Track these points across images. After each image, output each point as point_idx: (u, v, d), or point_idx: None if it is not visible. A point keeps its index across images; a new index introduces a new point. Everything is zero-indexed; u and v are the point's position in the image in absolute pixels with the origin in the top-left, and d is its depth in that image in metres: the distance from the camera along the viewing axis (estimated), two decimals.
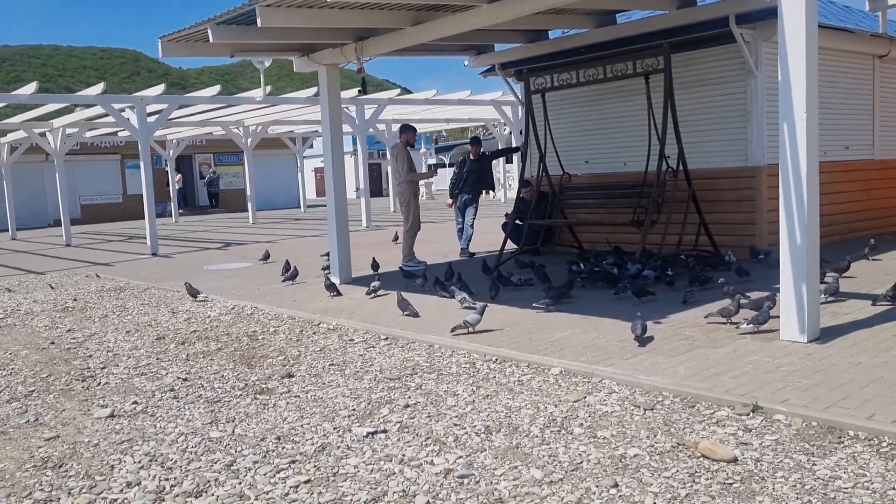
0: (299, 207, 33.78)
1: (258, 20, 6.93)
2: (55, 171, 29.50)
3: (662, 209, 8.65)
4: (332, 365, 5.65)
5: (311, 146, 33.43)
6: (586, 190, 10.30)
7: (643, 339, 5.58)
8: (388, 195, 51.88)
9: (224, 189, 34.41)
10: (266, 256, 12.67)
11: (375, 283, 8.37)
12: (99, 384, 5.51)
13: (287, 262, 11.13)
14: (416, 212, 10.40)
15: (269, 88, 15.56)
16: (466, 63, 11.42)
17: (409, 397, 4.73)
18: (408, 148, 10.38)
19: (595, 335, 5.94)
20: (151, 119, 14.86)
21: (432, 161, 52.98)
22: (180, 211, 32.13)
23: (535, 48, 10.25)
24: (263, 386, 5.20)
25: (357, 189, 51.00)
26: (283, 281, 9.77)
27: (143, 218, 30.69)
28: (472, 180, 11.49)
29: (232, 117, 21.12)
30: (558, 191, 10.19)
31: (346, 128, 27.47)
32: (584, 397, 4.54)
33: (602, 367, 5.03)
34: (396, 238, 14.45)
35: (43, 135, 18.86)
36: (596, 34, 9.49)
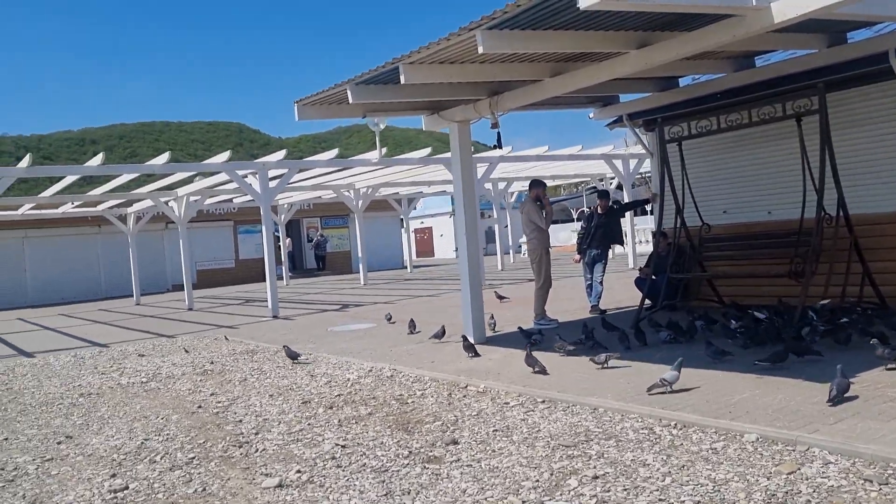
0: (404, 268, 34.02)
1: (401, 77, 6.89)
2: (175, 239, 31.03)
3: (820, 259, 8.03)
4: (497, 431, 5.31)
5: (415, 207, 33.71)
6: (728, 241, 9.75)
7: (839, 400, 5.02)
8: (488, 254, 51.96)
9: (330, 252, 35.04)
10: (388, 317, 12.60)
11: (537, 336, 8.15)
12: (257, 451, 5.35)
13: (412, 321, 11.02)
14: (548, 268, 10.08)
15: (384, 150, 15.72)
16: (592, 115, 11.18)
17: (595, 467, 4.34)
18: (537, 203, 10.13)
19: (781, 396, 5.41)
20: (272, 184, 15.20)
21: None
22: (290, 274, 32.92)
23: (668, 96, 9.91)
24: (429, 454, 4.91)
25: (456, 249, 51.46)
26: (431, 338, 9.58)
27: (254, 281, 32.05)
28: (601, 235, 11.12)
29: (343, 180, 21.52)
30: (697, 242, 9.68)
31: (449, 187, 27.70)
32: (798, 468, 4.04)
33: (806, 433, 4.51)
34: (501, 298, 14.16)
35: (167, 203, 19.63)
36: (734, 78, 9.09)
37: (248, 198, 24.35)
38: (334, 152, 15.85)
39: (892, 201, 8.49)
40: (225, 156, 14.62)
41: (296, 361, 9.03)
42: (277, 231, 33.47)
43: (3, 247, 27.53)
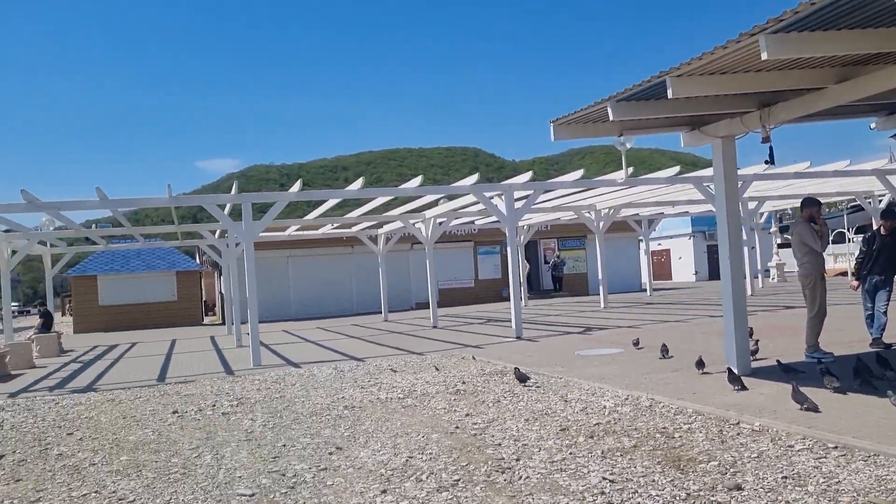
0: (643, 291, 32.94)
1: (668, 91, 6.52)
2: (419, 259, 32.59)
3: None
4: (786, 478, 4.75)
5: (654, 229, 32.56)
6: None
7: None
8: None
9: (567, 273, 34.82)
10: (636, 343, 12.11)
11: (831, 380, 7.27)
12: (520, 478, 5.22)
13: (664, 346, 10.50)
14: (823, 296, 9.11)
15: (630, 170, 15.26)
16: (873, 126, 9.99)
17: None
18: (811, 223, 9.21)
19: None
20: (517, 205, 15.30)
21: (779, 241, 48.95)
22: (527, 295, 33.15)
23: None
24: (711, 498, 4.47)
25: (696, 272, 48.99)
26: (699, 370, 8.99)
27: (492, 301, 32.65)
28: (884, 259, 9.86)
29: (584, 201, 21.26)
30: None
31: (694, 208, 26.39)
32: None
33: None
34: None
35: (415, 225, 20.54)
36: None
37: (490, 219, 24.91)
38: (579, 173, 15.65)
39: None
40: (473, 179, 14.95)
41: (525, 385, 8.94)
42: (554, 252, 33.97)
43: (272, 265, 30.37)
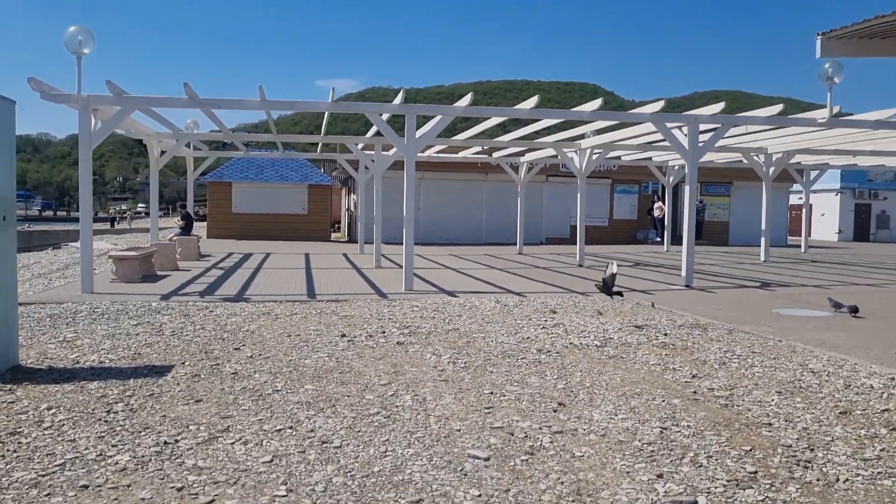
0: (788, 246, 30.59)
1: None
2: (554, 192, 31.22)
3: None
4: None
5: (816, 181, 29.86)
6: None
7: None
8: (875, 241, 45.26)
9: (708, 220, 32.68)
10: (838, 305, 10.57)
11: None
12: (837, 480, 4.04)
13: None
14: None
15: (837, 108, 13.31)
16: None
17: None
18: None
19: None
20: (702, 140, 13.69)
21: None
22: (658, 239, 31.34)
23: None
24: None
25: (840, 231, 45.43)
26: None
27: (627, 243, 31.08)
28: None
29: (754, 143, 19.26)
30: None
31: (833, 159, 23.76)
32: None
33: None
34: None
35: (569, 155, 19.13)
36: None
37: (642, 156, 23.18)
38: (777, 108, 13.80)
39: None
40: (657, 106, 13.39)
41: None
42: (657, 193, 32.03)
43: (400, 186, 29.63)
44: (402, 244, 12.94)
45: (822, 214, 46.59)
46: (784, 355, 7.39)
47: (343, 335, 8.27)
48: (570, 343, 7.94)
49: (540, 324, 9.21)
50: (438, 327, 8.90)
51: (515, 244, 25.30)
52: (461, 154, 24.21)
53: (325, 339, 8.07)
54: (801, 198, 48.08)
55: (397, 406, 5.42)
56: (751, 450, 4.50)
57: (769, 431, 4.87)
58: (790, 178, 27.75)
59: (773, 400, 5.68)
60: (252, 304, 10.85)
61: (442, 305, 10.87)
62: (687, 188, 13.62)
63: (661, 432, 4.84)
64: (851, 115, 14.82)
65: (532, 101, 12.88)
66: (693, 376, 6.47)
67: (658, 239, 30.97)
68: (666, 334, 8.48)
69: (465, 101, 12.69)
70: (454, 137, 19.65)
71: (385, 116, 13.17)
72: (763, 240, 20.88)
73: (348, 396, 5.68)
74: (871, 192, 46.03)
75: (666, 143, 17.15)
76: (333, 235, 34.67)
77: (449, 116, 12.77)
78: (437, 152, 23.84)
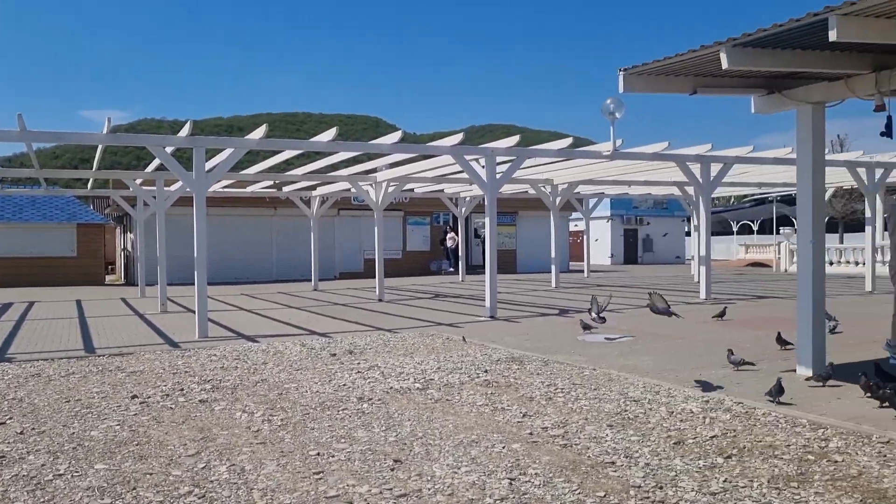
0: (570, 272, 32.41)
1: (832, 33, 5.28)
2: (346, 225, 30.80)
3: None
4: None
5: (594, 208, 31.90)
6: None
7: None
8: (642, 263, 49.51)
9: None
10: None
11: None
12: None
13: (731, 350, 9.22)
14: None
15: (619, 142, 14.13)
16: None
17: None
18: None
19: None
20: (500, 171, 13.95)
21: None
22: (451, 270, 31.93)
23: None
24: None
25: (612, 255, 49.15)
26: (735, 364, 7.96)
27: (421, 274, 31.28)
28: None
29: (540, 175, 20.13)
30: None
31: (611, 189, 25.74)
32: None
33: None
34: (723, 314, 12.46)
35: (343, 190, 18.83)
36: None
37: (434, 188, 23.46)
38: (567, 141, 14.40)
39: None
40: (455, 139, 13.44)
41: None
42: (449, 224, 32.64)
43: (184, 223, 27.80)
44: (187, 285, 11.93)
45: (596, 240, 50.06)
46: (603, 385, 7.43)
47: (134, 396, 7.25)
48: (391, 388, 7.50)
49: (354, 367, 8.70)
50: (244, 379, 8.11)
51: (309, 280, 24.58)
52: (249, 189, 23.15)
53: (112, 402, 7.02)
54: (577, 225, 51.65)
55: (212, 481, 4.67)
56: (605, 495, 4.29)
57: (615, 471, 4.71)
58: (571, 206, 29.41)
59: (607, 435, 5.57)
60: (17, 364, 9.36)
61: (244, 353, 10.02)
62: (487, 220, 13.77)
63: (511, 484, 4.51)
64: (634, 149, 15.84)
65: (330, 134, 12.42)
66: (524, 415, 6.26)
67: (452, 269, 31.54)
68: (486, 371, 8.29)
69: (259, 133, 11.97)
70: (242, 171, 18.69)
71: (169, 149, 12.07)
72: (553, 267, 21.81)
73: (150, 474, 4.83)
74: (636, 218, 50.29)
75: (460, 175, 17.40)
76: (108, 278, 31.78)
77: (241, 150, 11.98)
78: (224, 187, 22.61)
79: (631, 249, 50.26)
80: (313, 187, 23.01)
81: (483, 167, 13.65)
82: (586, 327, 11.09)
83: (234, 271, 28.37)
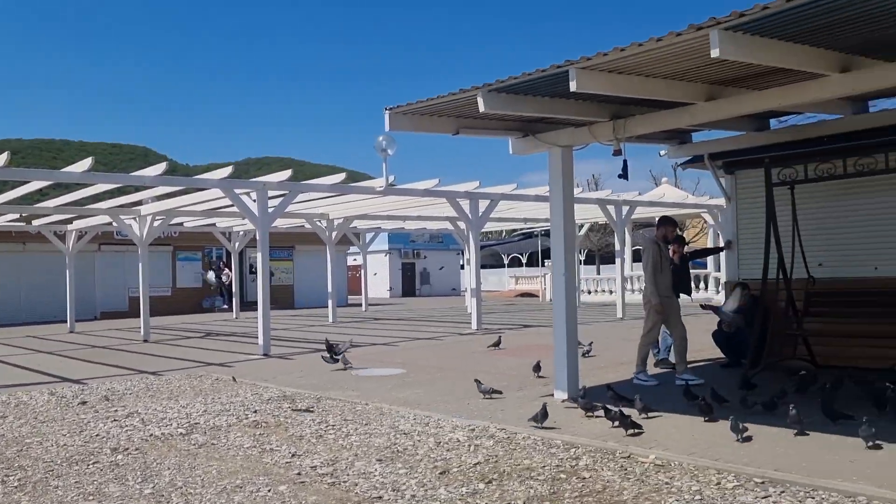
0: (349, 306, 32.49)
1: (572, 84, 5.78)
2: (108, 262, 28.64)
3: None
4: None
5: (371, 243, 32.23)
6: (837, 296, 8.97)
7: None
8: (420, 295, 50.84)
9: (273, 285, 33.04)
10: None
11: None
12: None
13: (473, 381, 9.71)
14: (657, 320, 9.00)
15: (392, 178, 14.47)
16: (663, 153, 10.35)
17: None
18: (663, 246, 9.10)
19: None
20: (272, 205, 13.71)
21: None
22: (225, 306, 30.78)
23: (767, 136, 9.15)
24: None
25: (390, 289, 49.95)
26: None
27: (192, 312, 29.78)
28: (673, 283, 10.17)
29: (316, 209, 20.08)
30: (804, 297, 8.88)
31: (387, 224, 26.48)
32: None
33: None
34: (499, 343, 13.24)
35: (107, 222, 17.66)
36: (856, 121, 8.38)
37: (201, 221, 22.56)
38: (340, 176, 14.47)
39: None
40: (224, 172, 13.02)
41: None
42: (220, 259, 31.46)
43: None
44: None
45: (375, 273, 50.59)
46: (375, 419, 7.47)
47: None
48: (151, 435, 7.03)
49: (109, 416, 8.06)
50: None
51: (65, 321, 22.52)
52: None
53: None
54: (355, 259, 51.96)
55: None
56: None
57: None
58: (348, 240, 29.49)
59: (376, 469, 5.60)
60: None
61: None
62: (259, 254, 13.45)
63: None
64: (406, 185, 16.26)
65: (86, 164, 11.55)
66: (293, 455, 6.13)
67: (226, 306, 30.39)
68: (256, 411, 8.03)
69: (1, 160, 10.84)
70: None
71: None
72: (330, 301, 21.70)
73: None
74: (414, 251, 51.60)
75: (232, 209, 16.87)
76: None
77: None
78: None
79: (409, 282, 51.39)
80: (69, 220, 21.21)
81: (254, 201, 13.34)
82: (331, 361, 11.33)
83: None
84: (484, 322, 17.87)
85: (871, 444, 5.55)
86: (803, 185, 8.89)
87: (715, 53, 4.93)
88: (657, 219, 9.66)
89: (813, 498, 4.60)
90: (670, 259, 9.19)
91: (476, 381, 8.59)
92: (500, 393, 8.47)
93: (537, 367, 9.56)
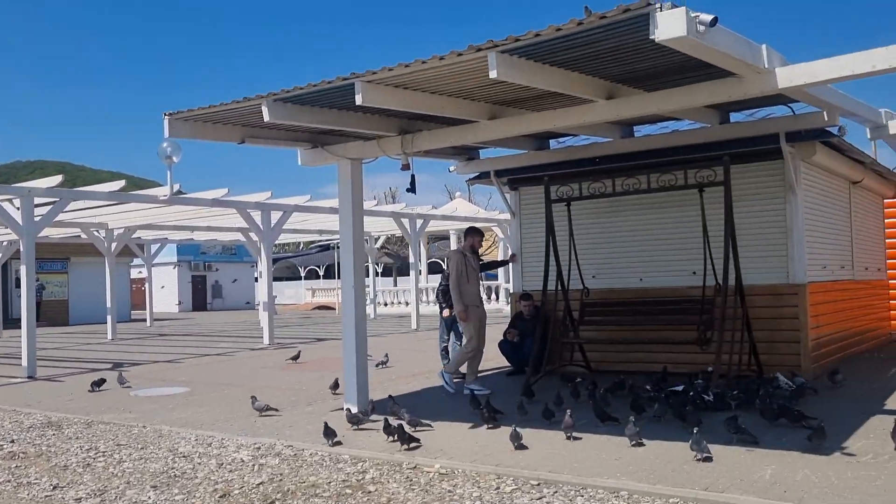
0: (132, 321, 30.55)
1: (358, 97, 5.79)
2: None
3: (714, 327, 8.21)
4: None
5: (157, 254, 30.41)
6: (610, 305, 9.65)
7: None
8: (212, 309, 48.74)
9: (45, 300, 30.28)
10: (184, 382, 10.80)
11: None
12: None
13: (251, 398, 9.42)
14: (482, 331, 9.08)
15: (177, 186, 13.76)
16: (452, 168, 10.67)
17: None
18: (469, 256, 9.12)
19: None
20: (39, 214, 12.52)
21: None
22: None
23: (547, 155, 9.72)
24: None
25: (179, 303, 47.44)
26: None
27: None
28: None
29: (94, 218, 18.64)
30: (580, 307, 9.48)
31: (173, 234, 25.35)
32: None
33: None
34: (297, 356, 13.07)
35: None
36: (623, 144, 9.12)
37: None
38: (120, 183, 13.49)
39: (769, 274, 8.96)
40: None
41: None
42: None
43: None
44: None
45: (163, 287, 47.89)
46: (152, 442, 7.01)
47: None
48: None
49: None
50: None
51: None
52: None
53: None
54: (140, 271, 48.84)
55: None
56: None
57: None
58: (131, 252, 27.67)
59: (149, 498, 5.24)
60: None
61: None
62: (23, 267, 12.23)
63: None
64: (191, 194, 15.52)
65: None
66: (54, 488, 5.60)
67: None
68: (13, 441, 7.26)
69: None
70: None
71: None
72: (109, 317, 20.20)
73: None
74: (205, 264, 49.44)
75: None
76: None
77: None
78: None
79: (200, 296, 49.20)
80: None
81: (18, 209, 12.13)
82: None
83: None
84: (277, 336, 17.46)
85: (634, 442, 6.01)
86: (578, 201, 9.53)
87: (493, 74, 5.14)
88: (465, 229, 9.82)
89: (582, 496, 4.89)
90: (476, 269, 9.29)
91: (252, 397, 8.29)
92: (277, 410, 8.20)
93: (335, 385, 9.25)
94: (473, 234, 9.41)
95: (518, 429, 6.21)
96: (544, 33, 4.81)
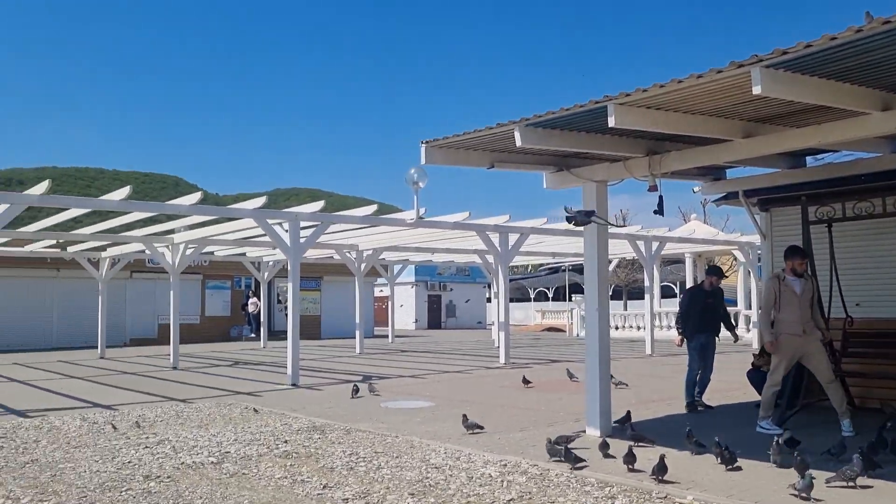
0: (375, 337, 32.48)
1: (611, 119, 5.80)
2: (138, 288, 29.03)
3: None
4: None
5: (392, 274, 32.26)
6: (874, 337, 8.80)
7: None
8: (446, 328, 50.69)
9: (301, 315, 33.15)
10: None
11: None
12: None
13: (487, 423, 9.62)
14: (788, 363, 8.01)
15: (423, 210, 14.54)
16: (697, 189, 10.28)
17: None
18: (788, 279, 7.94)
19: None
20: (304, 236, 13.81)
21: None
22: (252, 335, 30.94)
23: (804, 173, 9.06)
24: None
25: (416, 321, 49.89)
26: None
27: (221, 340, 29.99)
28: (710, 317, 10.00)
29: (345, 241, 20.19)
30: (842, 337, 8.72)
31: (415, 256, 26.52)
32: None
33: None
34: (526, 381, 12.89)
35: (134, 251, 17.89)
36: (894, 159, 8.27)
37: (231, 251, 22.77)
38: (372, 207, 14.58)
39: None
40: (258, 202, 13.19)
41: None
42: (251, 288, 31.71)
43: None
44: None
45: (402, 305, 50.61)
46: (405, 452, 7.42)
47: None
48: (182, 463, 7.03)
49: (141, 443, 8.09)
50: (10, 460, 7.28)
51: (95, 347, 22.77)
52: (29, 248, 21.24)
53: None
54: (382, 290, 52.05)
55: None
56: None
57: None
58: (376, 272, 29.63)
59: None
60: None
61: (11, 430, 9.01)
62: (290, 285, 13.54)
63: None
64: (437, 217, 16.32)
65: (123, 192, 11.76)
66: (324, 487, 6.10)
67: (253, 335, 30.55)
68: (286, 441, 8.02)
69: (41, 188, 11.07)
70: (21, 229, 17.16)
71: None
72: (358, 332, 21.72)
73: None
74: (440, 284, 51.63)
75: (263, 239, 17.05)
76: None
77: (19, 206, 11.00)
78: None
79: (435, 315, 51.31)
80: (103, 248, 21.53)
81: (286, 231, 13.47)
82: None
83: (5, 338, 25.67)
84: (511, 356, 17.76)
85: None
86: (840, 223, 8.80)
87: (757, 90, 4.92)
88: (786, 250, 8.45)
89: None
90: (799, 293, 7.91)
91: (463, 415, 8.52)
92: (482, 428, 8.36)
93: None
94: (793, 256, 7.99)
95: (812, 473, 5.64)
96: (816, 44, 4.54)
